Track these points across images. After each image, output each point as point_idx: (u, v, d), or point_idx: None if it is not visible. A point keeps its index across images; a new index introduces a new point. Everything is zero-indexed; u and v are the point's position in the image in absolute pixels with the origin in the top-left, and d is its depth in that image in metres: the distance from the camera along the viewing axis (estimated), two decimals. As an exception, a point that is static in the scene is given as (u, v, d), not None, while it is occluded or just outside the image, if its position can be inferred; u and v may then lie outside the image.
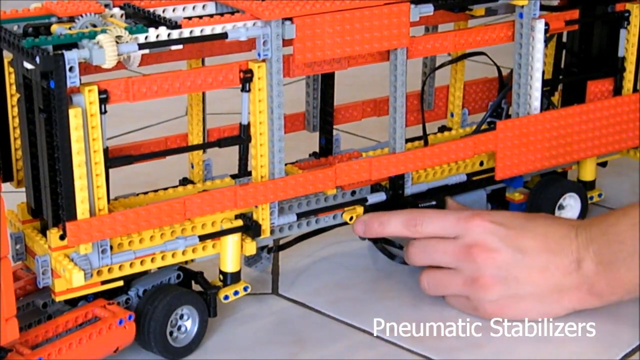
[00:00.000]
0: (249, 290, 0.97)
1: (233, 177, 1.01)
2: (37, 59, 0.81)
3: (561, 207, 1.12)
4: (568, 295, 0.96)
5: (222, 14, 0.91)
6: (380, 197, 1.03)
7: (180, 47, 0.87)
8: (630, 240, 0.93)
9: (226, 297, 0.95)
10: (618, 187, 1.25)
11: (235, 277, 0.95)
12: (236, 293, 0.96)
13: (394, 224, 1.00)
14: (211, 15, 0.90)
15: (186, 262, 0.96)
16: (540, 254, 0.96)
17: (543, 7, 1.07)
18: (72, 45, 0.83)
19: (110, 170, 0.88)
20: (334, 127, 1.09)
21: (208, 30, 0.88)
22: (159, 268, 0.94)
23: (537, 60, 1.05)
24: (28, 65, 0.84)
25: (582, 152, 1.11)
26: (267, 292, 1.04)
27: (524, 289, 0.96)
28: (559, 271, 0.95)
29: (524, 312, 0.97)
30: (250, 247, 0.95)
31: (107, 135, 0.86)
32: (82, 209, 0.85)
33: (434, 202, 1.05)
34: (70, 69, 0.82)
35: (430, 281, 1.00)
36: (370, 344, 0.96)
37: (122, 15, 0.92)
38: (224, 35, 0.89)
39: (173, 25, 0.87)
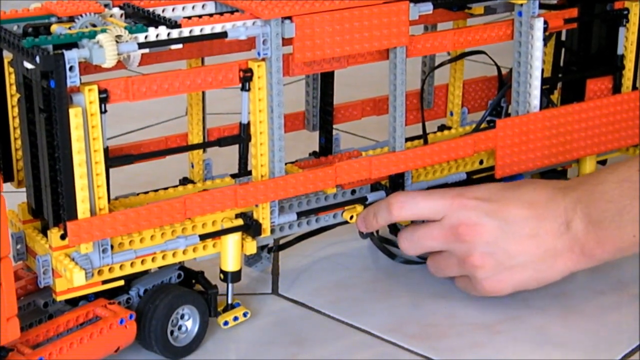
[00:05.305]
0: (248, 317, 0.97)
1: (233, 176, 1.01)
2: (37, 59, 0.81)
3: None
4: (562, 258, 0.95)
5: (221, 14, 0.91)
6: (381, 195, 1.03)
7: (180, 46, 0.87)
8: (617, 198, 0.93)
9: (226, 323, 0.96)
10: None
11: (236, 276, 0.95)
12: (236, 319, 0.96)
13: (382, 212, 0.99)
14: (211, 15, 0.91)
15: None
16: (528, 221, 0.95)
17: (542, 6, 1.07)
18: (72, 44, 0.83)
19: (111, 171, 0.88)
20: (334, 126, 1.09)
21: (208, 30, 0.88)
22: (159, 267, 0.94)
23: (536, 59, 1.05)
24: (28, 65, 0.84)
25: (581, 150, 1.11)
26: (267, 292, 1.04)
27: (516, 260, 0.95)
28: (549, 235, 0.95)
29: (521, 283, 0.97)
30: (251, 246, 0.95)
31: (107, 135, 0.86)
32: (82, 208, 0.85)
33: None
34: (71, 68, 0.81)
35: (433, 265, 1.01)
36: (370, 344, 0.96)
37: (121, 15, 0.92)
38: (223, 35, 0.89)
39: (173, 24, 0.87)
